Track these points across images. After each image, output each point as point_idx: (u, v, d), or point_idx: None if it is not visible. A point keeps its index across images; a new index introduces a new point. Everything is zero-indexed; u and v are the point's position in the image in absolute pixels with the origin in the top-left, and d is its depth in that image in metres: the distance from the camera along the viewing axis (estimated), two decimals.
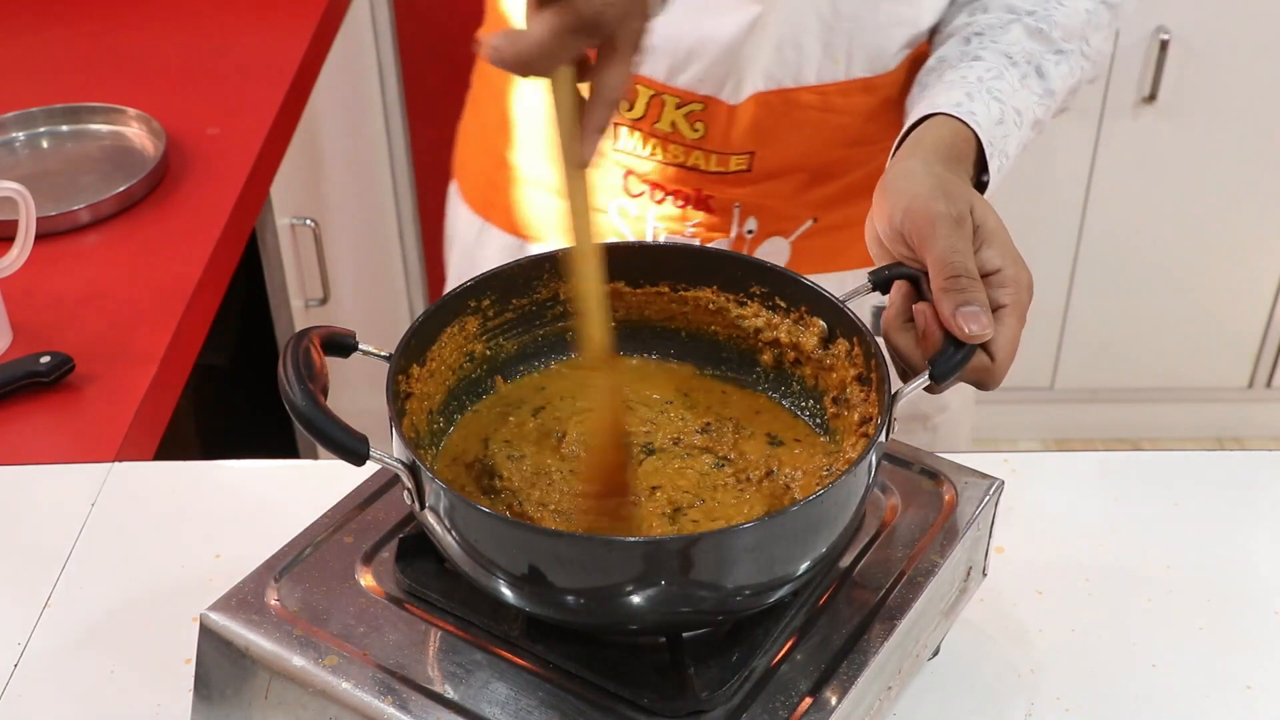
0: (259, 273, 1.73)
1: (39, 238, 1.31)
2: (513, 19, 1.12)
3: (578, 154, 0.67)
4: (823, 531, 0.70)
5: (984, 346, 0.77)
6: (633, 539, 0.69)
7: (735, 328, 0.86)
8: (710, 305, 0.86)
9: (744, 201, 1.10)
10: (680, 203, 1.10)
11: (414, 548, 0.78)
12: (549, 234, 1.17)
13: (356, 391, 1.68)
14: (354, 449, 0.67)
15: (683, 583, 0.66)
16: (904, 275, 0.80)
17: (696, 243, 1.13)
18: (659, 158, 1.08)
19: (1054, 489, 1.03)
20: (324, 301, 1.91)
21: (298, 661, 0.73)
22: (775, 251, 1.14)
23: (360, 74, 2.28)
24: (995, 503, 0.85)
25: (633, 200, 1.11)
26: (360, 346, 0.76)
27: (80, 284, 1.34)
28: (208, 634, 0.76)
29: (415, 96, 2.37)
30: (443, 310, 0.81)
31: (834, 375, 0.82)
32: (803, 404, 0.84)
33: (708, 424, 0.83)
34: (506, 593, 0.70)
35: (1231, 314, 2.63)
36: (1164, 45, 2.31)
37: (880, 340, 0.80)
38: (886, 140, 1.10)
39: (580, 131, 0.67)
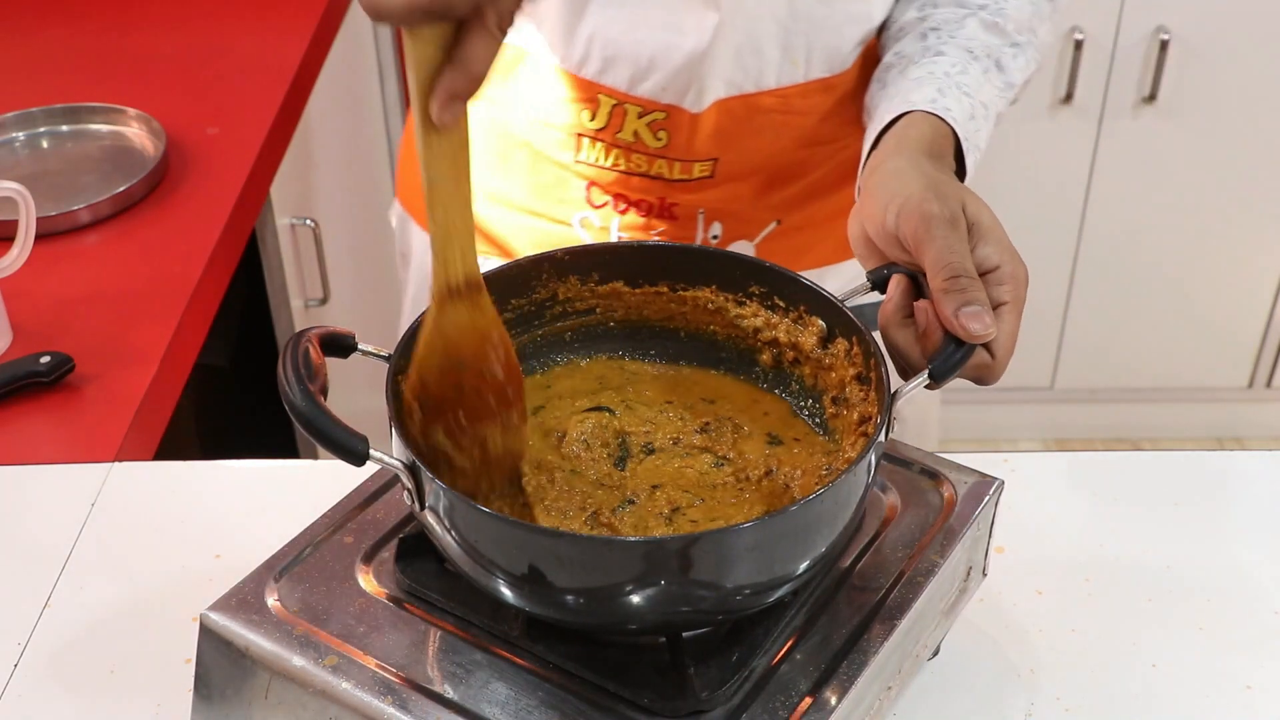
0: (259, 273, 1.73)
1: (39, 238, 1.31)
2: None
3: (427, 113, 0.66)
4: (822, 531, 0.70)
5: (984, 344, 0.77)
6: (633, 539, 0.69)
7: (734, 327, 0.86)
8: (709, 305, 0.86)
9: (708, 207, 1.10)
10: (644, 212, 1.10)
11: (414, 548, 0.78)
12: (512, 246, 1.16)
13: (356, 391, 1.68)
14: (354, 449, 0.67)
15: (683, 582, 0.66)
16: (901, 274, 0.80)
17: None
18: (622, 168, 1.08)
19: (1054, 489, 1.03)
20: (324, 301, 1.91)
21: (298, 661, 0.73)
22: None
23: (360, 74, 2.28)
24: (995, 503, 0.85)
25: (596, 211, 1.11)
26: (360, 346, 0.76)
27: (80, 284, 1.34)
28: (208, 634, 0.76)
29: None
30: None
31: (833, 374, 0.82)
32: (802, 403, 0.84)
33: (707, 423, 0.83)
34: (506, 593, 0.70)
35: (1231, 314, 2.63)
36: (1164, 45, 2.31)
37: (878, 337, 0.80)
38: (844, 139, 1.11)
39: (433, 92, 0.65)
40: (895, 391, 0.74)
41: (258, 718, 0.76)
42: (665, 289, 0.86)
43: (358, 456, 0.68)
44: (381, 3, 0.62)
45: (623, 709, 0.70)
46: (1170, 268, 2.57)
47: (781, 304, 0.84)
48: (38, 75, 1.77)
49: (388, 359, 0.76)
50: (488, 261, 1.17)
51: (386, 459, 0.69)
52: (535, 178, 1.11)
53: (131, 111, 1.61)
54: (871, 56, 1.08)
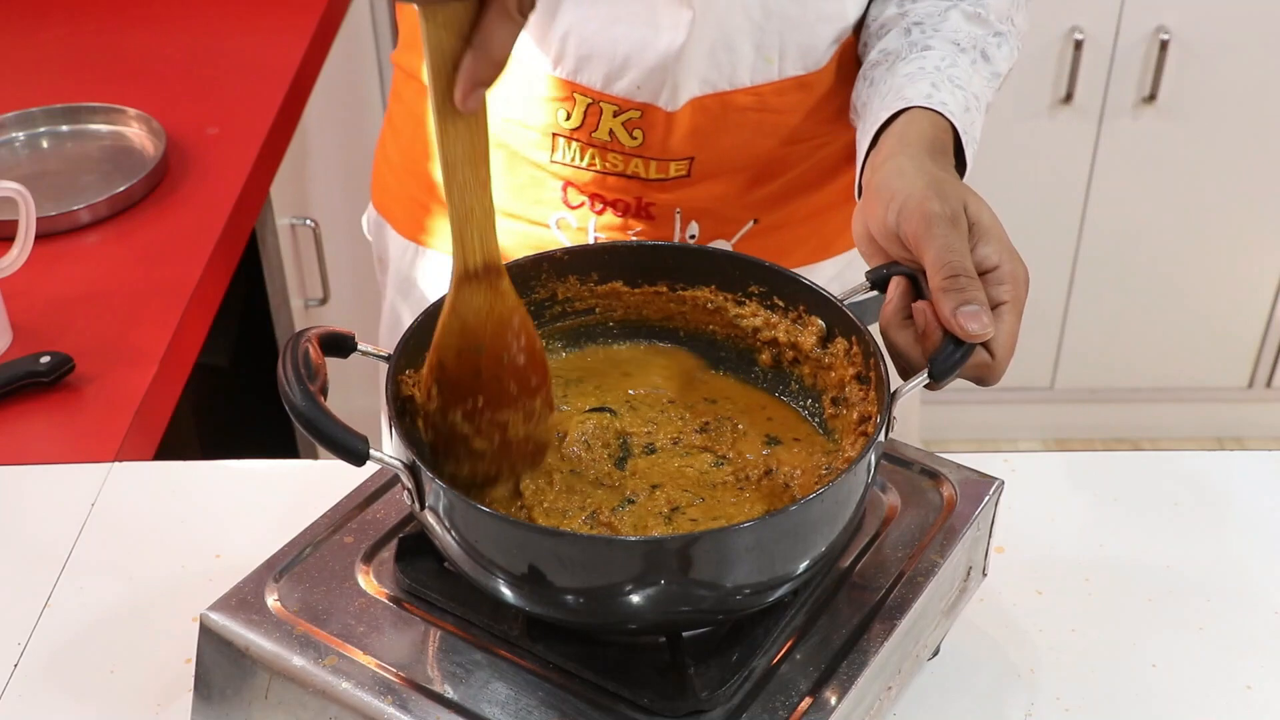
0: (259, 273, 1.73)
1: (39, 238, 1.31)
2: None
3: (447, 99, 0.65)
4: (822, 530, 0.70)
5: (984, 343, 0.77)
6: (633, 538, 0.69)
7: (734, 327, 0.86)
8: (708, 304, 0.86)
9: (685, 206, 1.09)
10: (620, 212, 1.10)
11: (414, 548, 0.78)
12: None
13: (356, 392, 1.68)
14: (354, 449, 0.67)
15: (682, 582, 0.66)
16: (901, 274, 0.80)
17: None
18: (598, 167, 1.08)
19: (1054, 489, 1.03)
20: (324, 301, 1.91)
21: (298, 661, 0.73)
22: None
23: (360, 74, 2.28)
24: (995, 503, 0.85)
25: (572, 212, 1.11)
26: (359, 347, 0.76)
27: (80, 284, 1.34)
28: (208, 634, 0.76)
29: None
30: (441, 310, 0.81)
31: (833, 374, 0.82)
32: (802, 403, 0.84)
33: (706, 423, 0.83)
34: (506, 592, 0.70)
35: (1231, 314, 2.63)
36: (1164, 45, 2.31)
37: (878, 336, 0.80)
38: (821, 138, 1.11)
39: (455, 77, 0.65)
40: (895, 391, 0.74)
41: (258, 718, 0.76)
42: (664, 288, 0.86)
43: (358, 456, 0.68)
44: None
45: (623, 709, 0.70)
46: (1170, 268, 2.57)
47: (781, 303, 0.84)
48: (38, 75, 1.77)
49: (387, 359, 0.76)
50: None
51: (386, 459, 0.69)
52: (511, 178, 1.11)
53: (131, 111, 1.61)
54: (848, 55, 1.07)
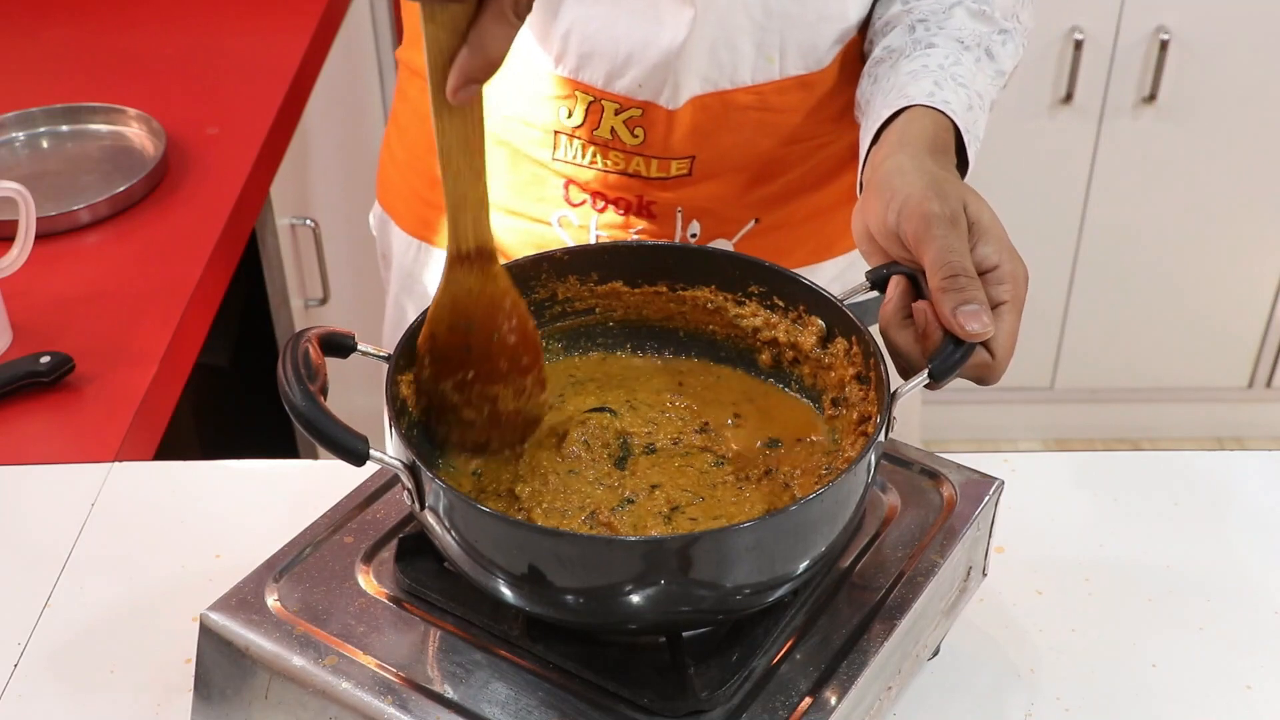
0: (259, 273, 1.73)
1: (39, 238, 1.31)
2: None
3: (443, 92, 0.68)
4: (822, 530, 0.70)
5: (984, 343, 0.77)
6: (633, 538, 0.69)
7: (733, 327, 0.86)
8: (708, 305, 0.86)
9: (686, 205, 1.10)
10: (622, 210, 1.10)
11: (414, 548, 0.78)
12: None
13: (356, 392, 1.68)
14: (354, 449, 0.67)
15: (682, 581, 0.66)
16: (901, 274, 0.80)
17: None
18: (599, 165, 1.08)
19: (1054, 489, 1.03)
20: (324, 301, 1.91)
21: (298, 661, 0.73)
22: None
23: (360, 74, 2.28)
24: (995, 503, 0.85)
25: (574, 210, 1.11)
26: (359, 347, 0.76)
27: (80, 284, 1.34)
28: (208, 634, 0.76)
29: None
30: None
31: (832, 374, 0.82)
32: (802, 403, 0.84)
33: (706, 423, 0.83)
34: (506, 592, 0.70)
35: (1231, 314, 2.63)
36: (1164, 45, 2.31)
37: (878, 336, 0.80)
38: (822, 138, 1.10)
39: (449, 74, 0.67)
40: (895, 391, 0.74)
41: (258, 718, 0.76)
42: (664, 289, 0.86)
43: (358, 456, 0.68)
44: None
45: (623, 709, 0.70)
46: (1170, 268, 2.57)
47: (781, 303, 0.84)
48: (38, 75, 1.77)
49: (387, 359, 0.76)
50: None
51: (386, 459, 0.69)
52: (513, 176, 1.11)
53: (131, 111, 1.61)
54: (851, 55, 1.07)
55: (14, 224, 1.28)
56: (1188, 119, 2.40)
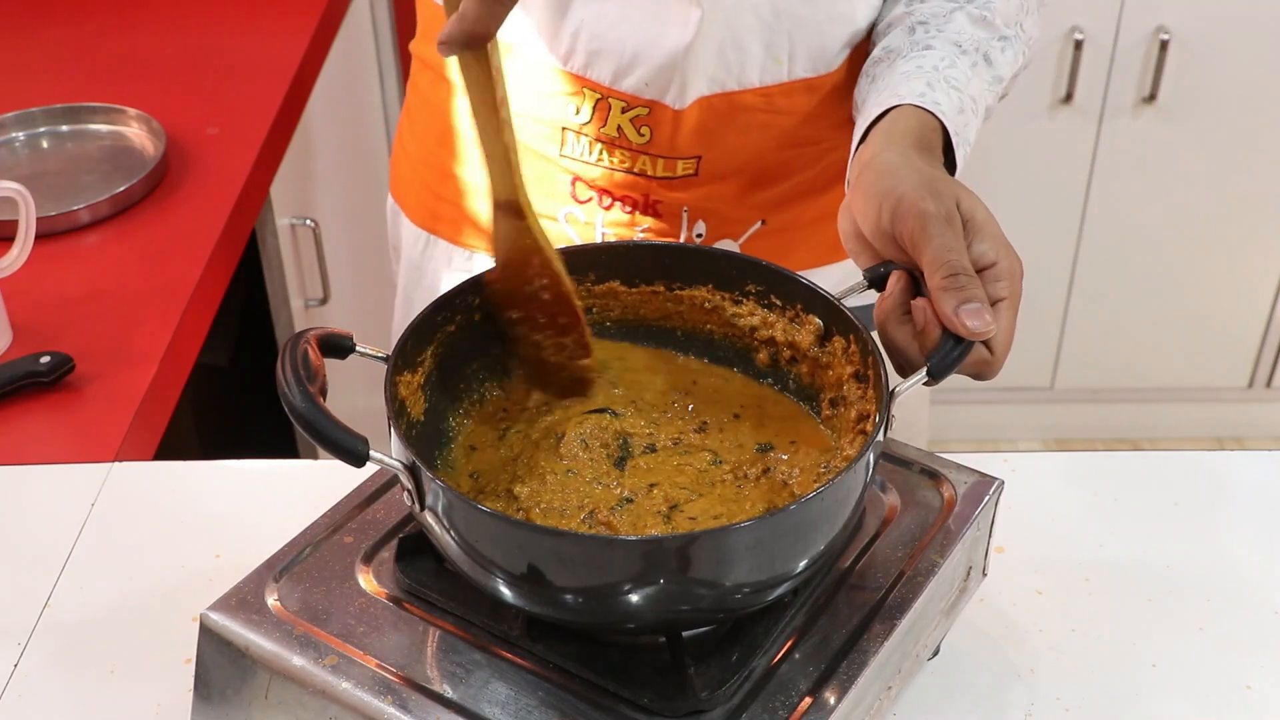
0: (259, 273, 1.73)
1: (39, 238, 1.31)
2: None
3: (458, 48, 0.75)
4: (821, 529, 0.70)
5: (983, 340, 0.77)
6: (632, 538, 0.69)
7: (731, 326, 0.86)
8: (705, 304, 0.86)
9: (692, 205, 1.10)
10: (628, 208, 1.10)
11: (414, 548, 0.78)
12: None
13: (355, 392, 1.68)
14: (353, 450, 0.67)
15: (682, 581, 0.66)
16: (898, 272, 0.80)
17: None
18: (605, 163, 1.08)
19: (1054, 489, 1.03)
20: (324, 302, 1.91)
21: (298, 661, 0.73)
22: None
23: (360, 74, 2.28)
24: (995, 503, 0.85)
25: (580, 206, 1.11)
26: (358, 348, 0.76)
27: (80, 284, 1.34)
28: (208, 634, 0.76)
29: None
30: (439, 311, 0.81)
31: (830, 373, 0.82)
32: (800, 402, 0.84)
33: (705, 422, 0.83)
34: (506, 592, 0.70)
35: (1231, 314, 2.63)
36: (1164, 45, 2.31)
37: (876, 337, 0.79)
38: (831, 140, 1.10)
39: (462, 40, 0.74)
40: (893, 389, 0.74)
41: (258, 718, 0.76)
42: (661, 288, 0.86)
43: (357, 457, 0.68)
44: None
45: (623, 709, 0.70)
46: (1170, 268, 2.57)
47: (778, 302, 0.84)
48: (38, 75, 1.77)
49: (386, 360, 0.76)
50: (477, 257, 1.17)
51: (386, 460, 0.69)
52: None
53: (131, 111, 1.61)
54: (860, 59, 1.07)
55: (14, 224, 1.28)
56: (1188, 119, 2.40)
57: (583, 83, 1.05)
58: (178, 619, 0.90)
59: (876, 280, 0.81)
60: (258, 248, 1.71)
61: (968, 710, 0.85)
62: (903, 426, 1.22)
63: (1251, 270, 2.57)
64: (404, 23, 2.28)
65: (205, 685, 0.77)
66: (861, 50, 1.07)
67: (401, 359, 0.77)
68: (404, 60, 2.33)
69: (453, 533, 0.69)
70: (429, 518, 0.71)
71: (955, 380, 0.79)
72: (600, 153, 1.08)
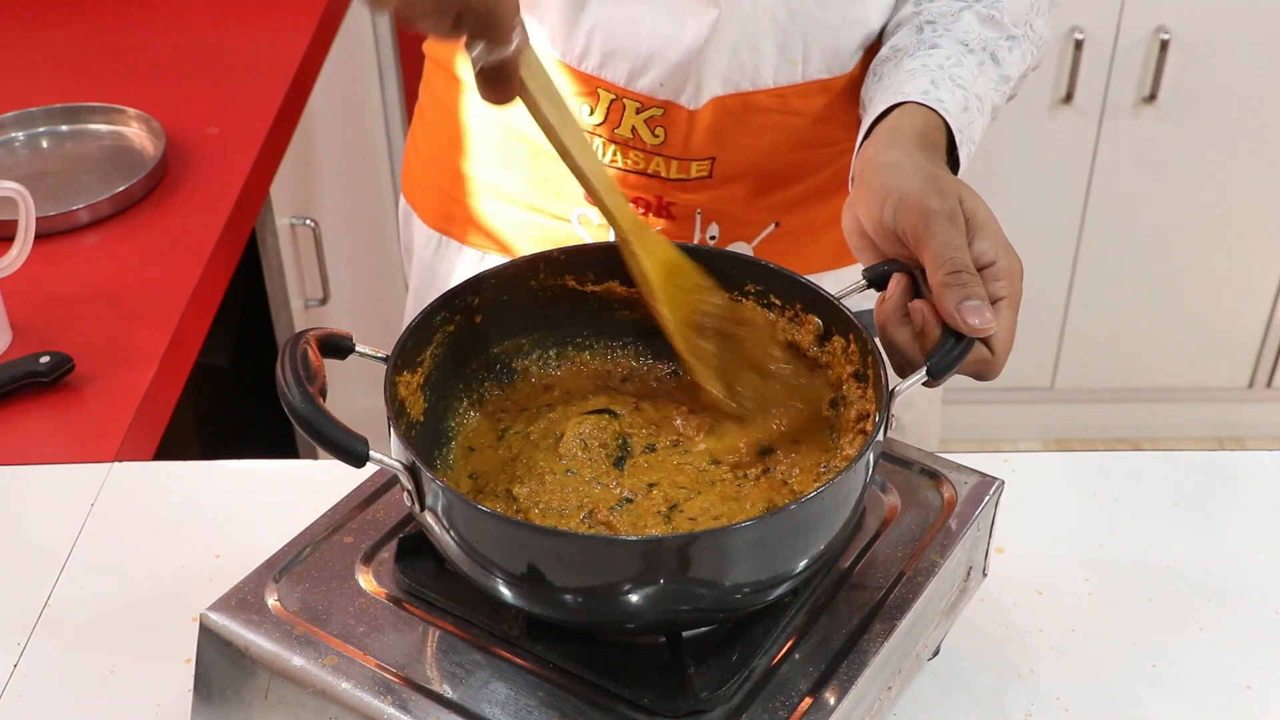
0: (259, 273, 1.73)
1: (39, 238, 1.31)
2: None
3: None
4: (821, 529, 0.70)
5: (984, 339, 0.77)
6: (632, 538, 0.69)
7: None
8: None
9: (705, 207, 1.10)
10: (641, 210, 1.10)
11: (414, 548, 0.78)
12: (511, 244, 1.16)
13: (355, 392, 1.68)
14: (353, 450, 0.67)
15: (682, 581, 0.66)
16: (899, 271, 0.80)
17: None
18: (619, 165, 1.08)
19: (1054, 489, 1.03)
20: (324, 301, 1.91)
21: (298, 661, 0.73)
22: None
23: (360, 74, 2.28)
24: (995, 503, 0.85)
25: (593, 208, 1.11)
26: (357, 348, 0.76)
27: (80, 284, 1.34)
28: (208, 634, 0.76)
29: (415, 97, 2.37)
30: (439, 311, 0.81)
31: (830, 372, 0.81)
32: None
33: (705, 422, 0.83)
34: (506, 592, 0.70)
35: (1231, 314, 2.63)
36: (1164, 45, 2.31)
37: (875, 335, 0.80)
38: (845, 141, 1.10)
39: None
40: (893, 389, 0.74)
41: (258, 718, 0.76)
42: None
43: (357, 458, 0.68)
44: None
45: (623, 709, 0.70)
46: (1170, 268, 2.57)
47: (777, 302, 0.84)
48: (38, 75, 1.77)
49: (385, 360, 0.76)
50: (489, 258, 1.17)
51: (386, 460, 0.69)
52: (535, 172, 1.12)
53: (131, 111, 1.61)
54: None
55: (14, 224, 1.28)
56: (1188, 119, 2.40)
57: (596, 83, 1.05)
58: (178, 619, 0.90)
59: (876, 280, 0.81)
60: (258, 248, 1.71)
61: (968, 710, 0.85)
62: (915, 429, 1.22)
63: (1251, 270, 2.57)
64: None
65: (205, 685, 0.77)
66: (876, 51, 1.07)
67: (401, 359, 0.77)
68: (404, 60, 2.33)
69: (452, 533, 0.69)
70: (429, 518, 0.71)
71: (956, 380, 0.79)
72: (614, 154, 1.08)
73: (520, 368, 0.87)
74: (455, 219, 1.19)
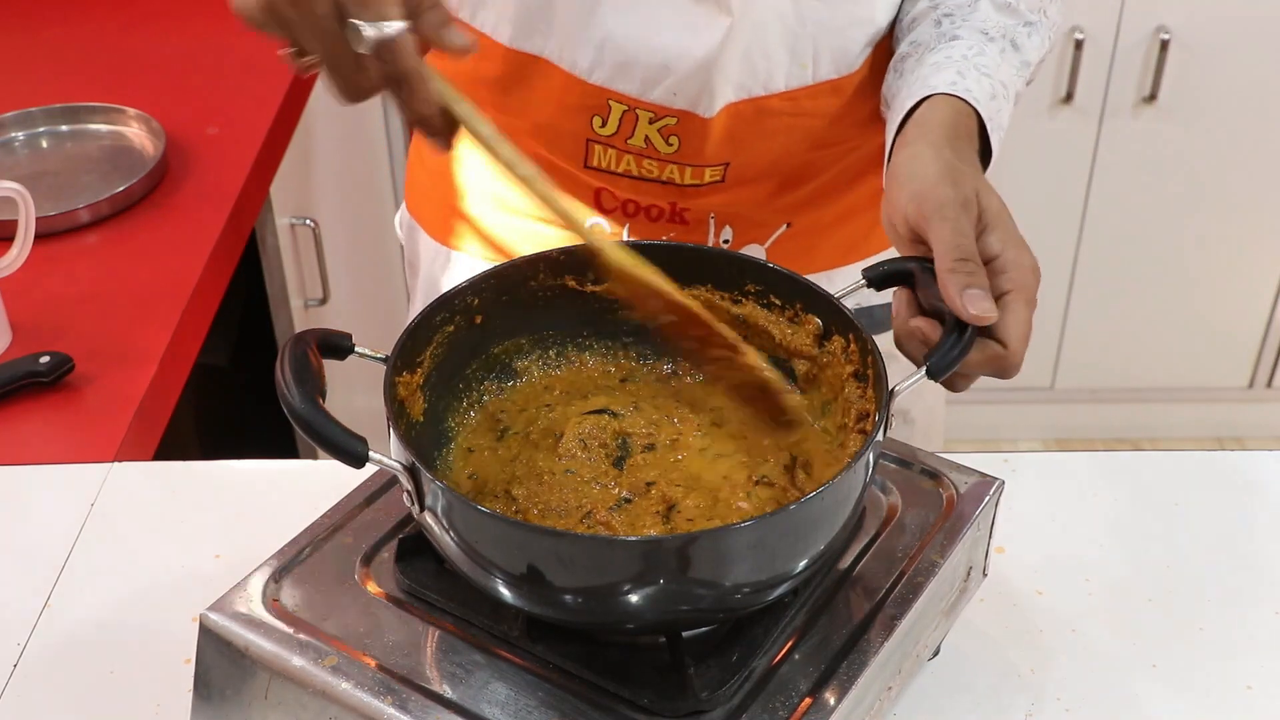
0: (259, 273, 1.73)
1: (39, 238, 1.31)
2: None
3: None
4: (821, 529, 0.70)
5: (995, 334, 0.77)
6: (632, 538, 0.69)
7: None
8: (705, 304, 0.86)
9: (719, 211, 1.10)
10: (654, 217, 1.10)
11: (414, 548, 0.78)
12: (519, 253, 1.16)
13: (354, 393, 1.68)
14: (353, 451, 0.67)
15: (681, 581, 0.66)
16: (899, 271, 0.80)
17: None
18: (633, 173, 1.08)
19: (1054, 489, 1.03)
20: (323, 302, 1.91)
21: (298, 661, 0.73)
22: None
23: None
24: (995, 503, 0.85)
25: (606, 216, 1.11)
26: (357, 349, 0.76)
27: (80, 284, 1.34)
28: (208, 634, 0.76)
29: None
30: (438, 311, 0.81)
31: (830, 372, 0.81)
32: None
33: (705, 422, 0.83)
34: (506, 593, 0.70)
35: (1231, 314, 2.63)
36: (1164, 45, 2.31)
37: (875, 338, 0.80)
38: (853, 141, 1.10)
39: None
40: (893, 389, 0.74)
41: (257, 718, 0.76)
42: None
43: (357, 458, 0.68)
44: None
45: (623, 709, 0.70)
46: (1170, 268, 2.57)
47: (777, 302, 0.84)
48: (38, 75, 1.77)
49: (385, 360, 0.76)
50: (482, 269, 1.17)
51: (386, 460, 0.69)
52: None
53: (131, 111, 1.61)
54: (881, 57, 1.07)
55: (14, 224, 1.28)
56: (1188, 119, 2.40)
57: (608, 95, 1.04)
58: (178, 619, 0.90)
59: (876, 279, 0.81)
60: (258, 248, 1.71)
61: (968, 710, 0.85)
62: (923, 422, 1.22)
63: (1251, 270, 2.57)
64: None
65: (205, 685, 0.77)
66: (882, 48, 1.07)
67: (400, 360, 0.77)
68: None
69: (452, 533, 0.69)
70: (428, 518, 0.71)
71: (977, 380, 0.79)
72: (627, 163, 1.07)
73: (520, 368, 0.87)
74: (458, 231, 1.19)
